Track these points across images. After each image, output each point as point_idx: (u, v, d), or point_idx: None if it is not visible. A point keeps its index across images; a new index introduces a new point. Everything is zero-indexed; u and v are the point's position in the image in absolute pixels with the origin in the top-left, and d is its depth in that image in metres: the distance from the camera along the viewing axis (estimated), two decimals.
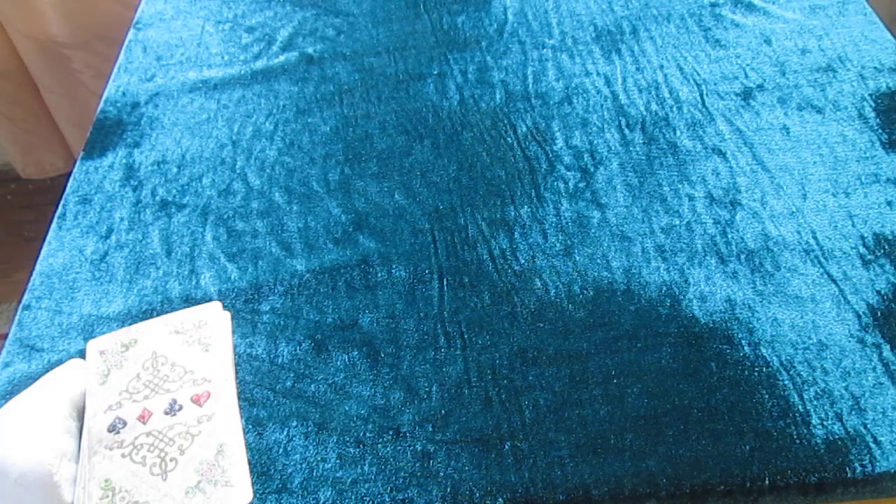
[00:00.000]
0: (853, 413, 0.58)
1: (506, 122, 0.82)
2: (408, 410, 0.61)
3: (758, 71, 0.84)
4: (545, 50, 0.90)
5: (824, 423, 0.58)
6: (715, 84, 0.83)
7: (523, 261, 0.70)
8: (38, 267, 0.75)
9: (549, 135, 0.81)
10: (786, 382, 0.60)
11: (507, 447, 0.59)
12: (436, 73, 0.89)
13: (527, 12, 0.95)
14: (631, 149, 0.78)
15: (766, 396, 0.60)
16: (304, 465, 0.59)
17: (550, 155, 0.79)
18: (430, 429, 0.60)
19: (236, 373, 0.65)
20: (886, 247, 0.68)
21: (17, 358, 0.68)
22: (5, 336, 0.69)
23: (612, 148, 0.79)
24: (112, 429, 0.60)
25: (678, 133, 0.79)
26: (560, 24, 0.93)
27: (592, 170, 0.77)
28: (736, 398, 0.60)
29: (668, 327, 0.64)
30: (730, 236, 0.70)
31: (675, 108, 0.82)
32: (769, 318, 0.64)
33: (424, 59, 0.91)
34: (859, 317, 0.64)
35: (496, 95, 0.85)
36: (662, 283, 0.67)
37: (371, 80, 0.89)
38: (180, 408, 0.60)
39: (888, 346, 0.62)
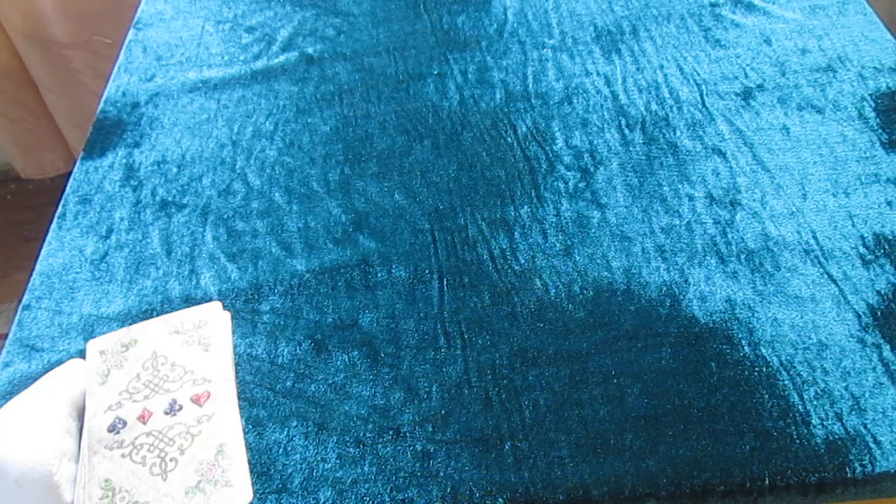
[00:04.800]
0: (853, 413, 0.58)
1: (506, 122, 0.82)
2: (408, 410, 0.61)
3: (758, 71, 0.84)
4: (545, 50, 0.90)
5: (824, 423, 0.58)
6: (715, 84, 0.83)
7: (523, 261, 0.70)
8: (38, 267, 0.75)
9: (549, 135, 0.81)
10: (786, 382, 0.60)
11: (507, 447, 0.59)
12: (436, 73, 0.89)
13: (527, 12, 0.95)
14: (631, 149, 0.78)
15: (766, 396, 0.60)
16: (304, 465, 0.59)
17: (550, 155, 0.79)
18: (430, 429, 0.60)
19: (236, 373, 0.65)
20: (886, 247, 0.68)
21: (17, 358, 0.68)
22: (5, 336, 0.69)
23: (612, 148, 0.79)
24: (112, 429, 0.60)
25: (678, 133, 0.79)
26: (560, 24, 0.93)
27: (592, 170, 0.77)
28: (736, 398, 0.60)
29: (668, 327, 0.64)
30: (730, 236, 0.70)
31: (675, 108, 0.82)
32: (769, 318, 0.64)
33: (424, 59, 0.91)
34: (859, 317, 0.64)
35: (496, 95, 0.85)
36: (662, 283, 0.67)
37: (371, 80, 0.89)
38: (180, 408, 0.60)
39: (888, 346, 0.62)
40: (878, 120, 0.78)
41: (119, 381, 0.63)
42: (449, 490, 0.57)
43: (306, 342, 0.66)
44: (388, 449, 0.59)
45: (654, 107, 0.82)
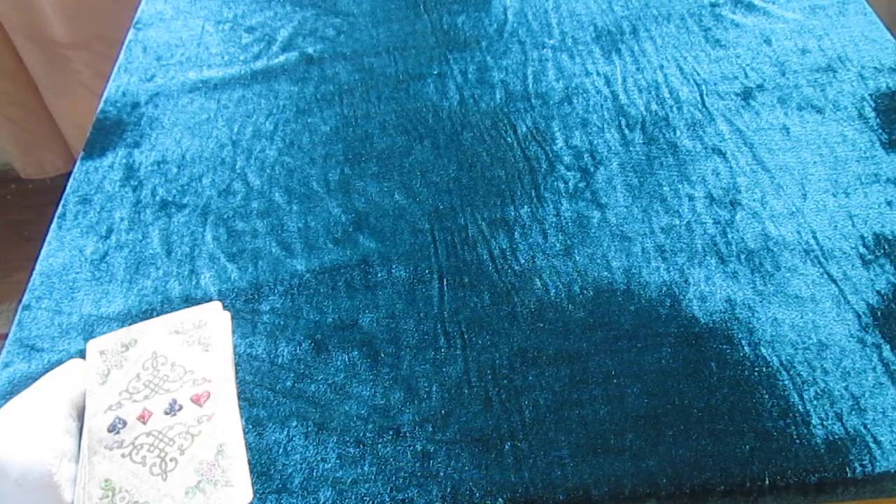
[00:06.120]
0: (853, 413, 0.58)
1: (506, 122, 0.82)
2: (408, 410, 0.61)
3: (758, 71, 0.84)
4: (545, 50, 0.90)
5: (824, 423, 0.58)
6: (715, 84, 0.83)
7: (523, 261, 0.70)
8: (38, 267, 0.75)
9: (549, 135, 0.81)
10: (786, 382, 0.60)
11: (507, 447, 0.59)
12: (436, 73, 0.89)
13: (527, 12, 0.95)
14: (631, 149, 0.78)
15: (766, 396, 0.60)
16: (304, 465, 0.59)
17: (550, 155, 0.79)
18: (430, 429, 0.60)
19: (236, 373, 0.65)
20: (886, 247, 0.68)
21: (17, 358, 0.68)
22: (5, 336, 0.69)
23: (612, 148, 0.79)
24: (112, 429, 0.60)
25: (678, 133, 0.79)
26: (560, 24, 0.93)
27: (592, 170, 0.77)
28: (736, 398, 0.60)
29: (668, 327, 0.64)
30: (730, 236, 0.70)
31: (675, 108, 0.82)
32: (769, 318, 0.64)
33: (424, 59, 0.91)
34: (859, 317, 0.64)
35: (496, 95, 0.85)
36: (662, 283, 0.67)
37: (371, 80, 0.89)
38: (180, 408, 0.60)
39: (888, 346, 0.62)
40: (878, 120, 0.78)
41: (119, 381, 0.63)
42: (449, 490, 0.57)
43: (306, 342, 0.66)
44: (388, 449, 0.59)
45: (654, 107, 0.82)
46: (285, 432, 0.61)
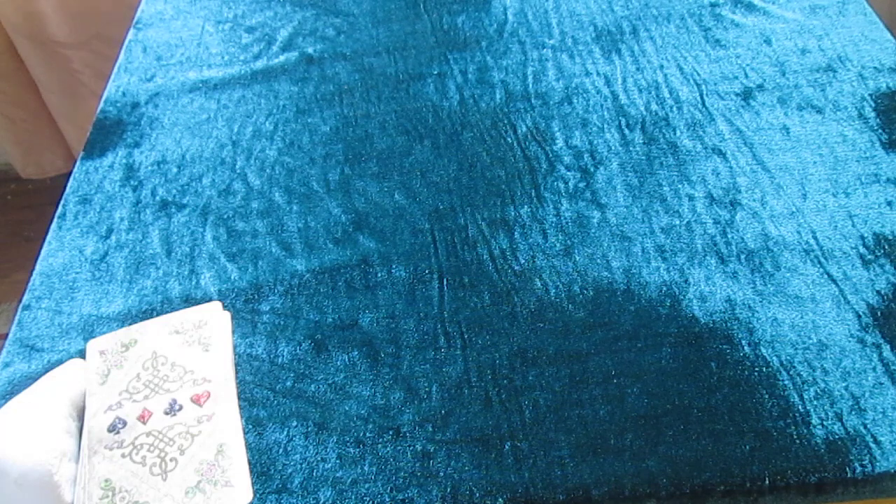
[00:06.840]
0: (853, 413, 0.58)
1: (506, 122, 0.82)
2: (408, 410, 0.61)
3: (758, 71, 0.84)
4: (545, 50, 0.90)
5: (824, 423, 0.58)
6: (715, 84, 0.83)
7: (523, 261, 0.70)
8: (38, 267, 0.75)
9: (549, 135, 0.81)
10: (786, 382, 0.60)
11: (507, 447, 0.59)
12: (436, 73, 0.89)
13: (527, 12, 0.95)
14: (631, 149, 0.78)
15: (766, 396, 0.60)
16: (304, 465, 0.59)
17: (550, 155, 0.79)
18: (430, 429, 0.60)
19: (236, 373, 0.65)
20: (886, 247, 0.68)
21: (17, 358, 0.68)
22: (5, 336, 0.69)
23: (612, 148, 0.79)
24: (112, 429, 0.60)
25: (678, 133, 0.79)
26: (560, 24, 0.93)
27: (592, 170, 0.77)
28: (736, 398, 0.60)
29: (668, 327, 0.64)
30: (730, 236, 0.70)
31: (675, 108, 0.82)
32: (769, 318, 0.64)
33: (424, 59, 0.91)
34: (859, 317, 0.64)
35: (496, 95, 0.85)
36: (662, 283, 0.67)
37: (371, 80, 0.89)
38: (180, 408, 0.60)
39: (888, 346, 0.62)
40: (878, 120, 0.78)
41: (119, 381, 0.63)
42: (449, 490, 0.57)
43: (306, 342, 0.66)
44: (388, 449, 0.59)
45: (654, 107, 0.82)
46: (285, 432, 0.61)
